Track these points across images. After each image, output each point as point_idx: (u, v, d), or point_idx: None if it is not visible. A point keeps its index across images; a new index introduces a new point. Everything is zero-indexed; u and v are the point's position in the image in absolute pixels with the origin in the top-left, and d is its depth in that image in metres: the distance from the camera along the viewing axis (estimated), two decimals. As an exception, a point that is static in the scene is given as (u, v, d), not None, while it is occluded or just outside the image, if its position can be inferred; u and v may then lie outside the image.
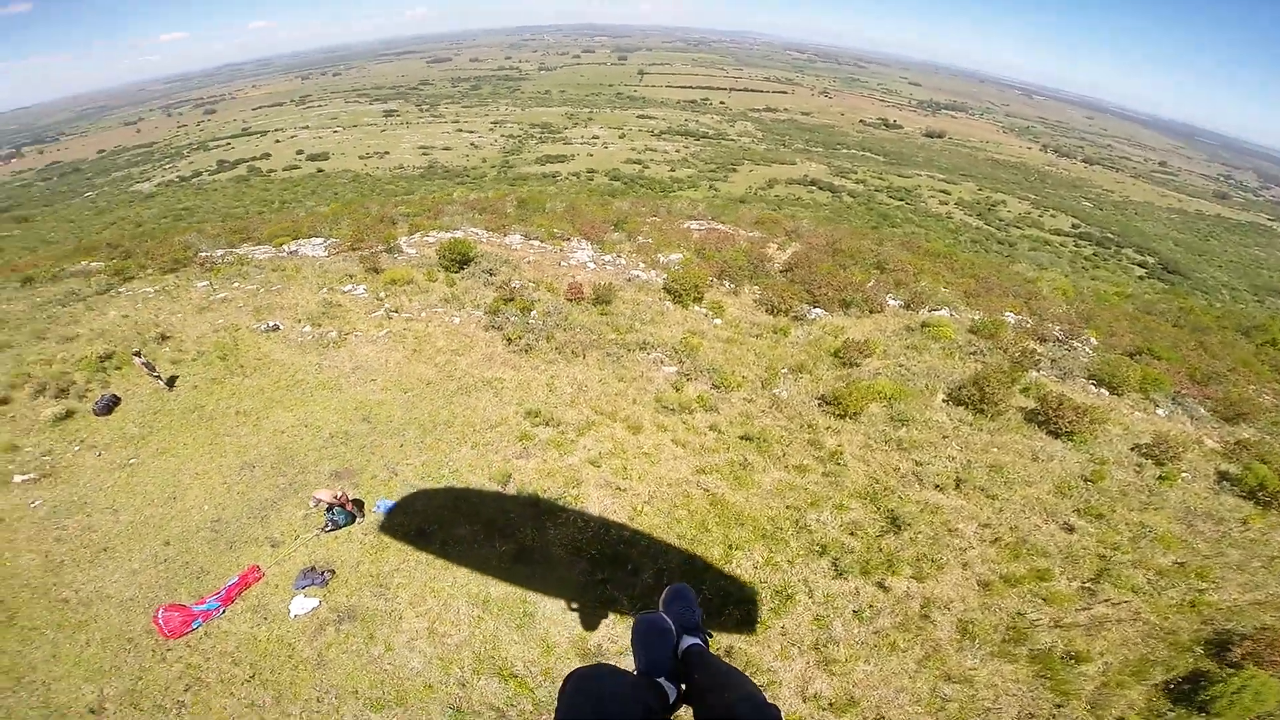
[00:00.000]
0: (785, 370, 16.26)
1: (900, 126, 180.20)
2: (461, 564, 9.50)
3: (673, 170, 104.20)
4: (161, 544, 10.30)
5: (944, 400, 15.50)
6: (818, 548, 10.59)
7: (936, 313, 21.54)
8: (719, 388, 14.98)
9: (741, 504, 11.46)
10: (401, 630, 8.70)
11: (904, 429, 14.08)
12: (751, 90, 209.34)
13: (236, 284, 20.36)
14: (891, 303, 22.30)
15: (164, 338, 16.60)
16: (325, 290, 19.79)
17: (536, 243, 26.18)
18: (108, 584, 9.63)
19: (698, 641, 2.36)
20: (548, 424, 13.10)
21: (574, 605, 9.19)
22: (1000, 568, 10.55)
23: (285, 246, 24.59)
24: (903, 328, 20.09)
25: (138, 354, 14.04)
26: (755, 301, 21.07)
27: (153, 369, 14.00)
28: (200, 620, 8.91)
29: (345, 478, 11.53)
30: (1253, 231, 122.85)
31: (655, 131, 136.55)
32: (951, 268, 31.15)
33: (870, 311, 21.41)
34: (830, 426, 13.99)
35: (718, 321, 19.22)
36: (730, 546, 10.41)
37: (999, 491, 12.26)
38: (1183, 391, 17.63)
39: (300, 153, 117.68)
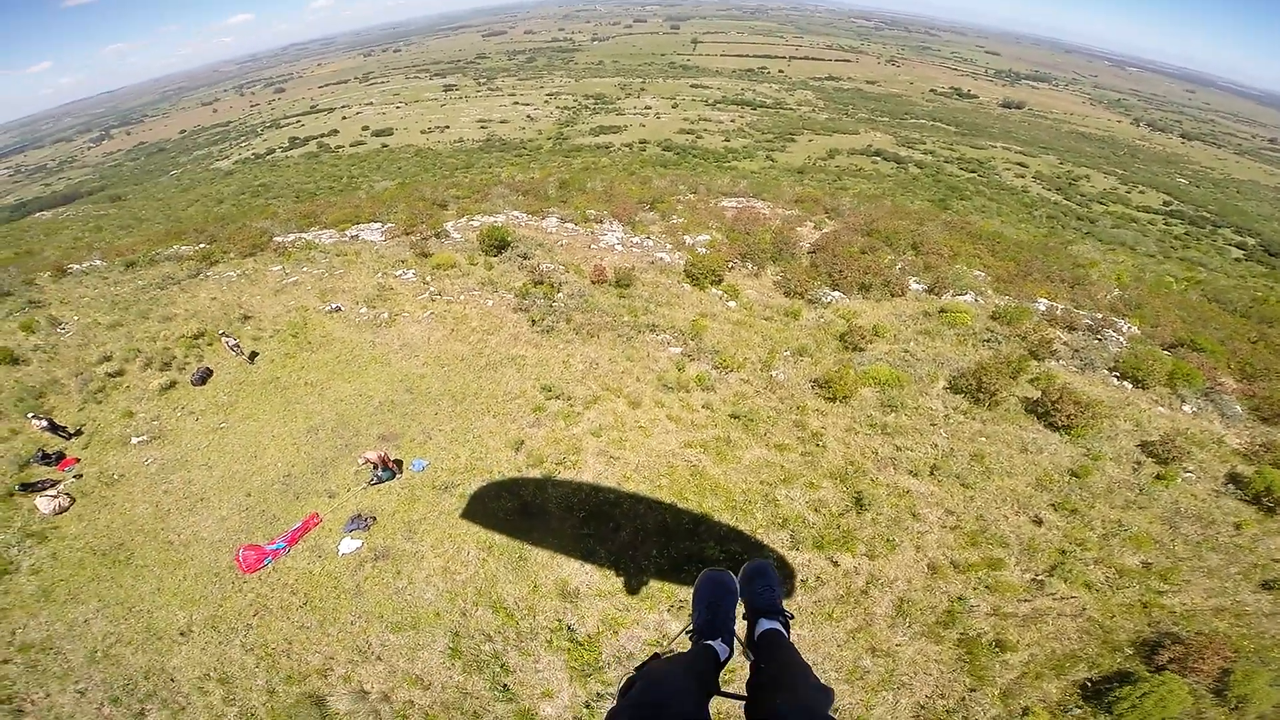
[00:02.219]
0: (787, 353, 17.31)
1: (975, 96, 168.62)
2: (475, 516, 11.50)
3: (727, 140, 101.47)
4: (244, 495, 12.68)
5: (944, 388, 15.81)
6: (779, 520, 11.83)
7: (960, 298, 21.58)
8: (720, 368, 16.31)
9: (719, 477, 12.80)
10: (422, 568, 10.80)
11: (892, 415, 14.69)
12: (813, 59, 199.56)
13: (305, 268, 23.00)
14: (914, 286, 22.33)
15: (246, 318, 19.33)
16: (380, 275, 22.15)
17: (571, 225, 27.84)
18: (202, 528, 11.99)
19: (776, 627, 2.31)
20: (559, 397, 14.92)
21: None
22: (953, 554, 11.25)
23: (348, 231, 27.28)
24: (920, 313, 20.37)
25: (224, 335, 16.73)
26: (775, 284, 22.03)
27: (238, 347, 16.64)
28: (271, 558, 11.08)
29: (389, 440, 13.80)
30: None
31: (709, 101, 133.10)
32: (993, 250, 30.57)
33: (891, 295, 21.64)
34: (818, 409, 14.97)
35: (732, 304, 20.39)
36: (701, 514, 11.81)
37: (975, 480, 12.73)
38: (1218, 387, 16.96)
39: (366, 128, 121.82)
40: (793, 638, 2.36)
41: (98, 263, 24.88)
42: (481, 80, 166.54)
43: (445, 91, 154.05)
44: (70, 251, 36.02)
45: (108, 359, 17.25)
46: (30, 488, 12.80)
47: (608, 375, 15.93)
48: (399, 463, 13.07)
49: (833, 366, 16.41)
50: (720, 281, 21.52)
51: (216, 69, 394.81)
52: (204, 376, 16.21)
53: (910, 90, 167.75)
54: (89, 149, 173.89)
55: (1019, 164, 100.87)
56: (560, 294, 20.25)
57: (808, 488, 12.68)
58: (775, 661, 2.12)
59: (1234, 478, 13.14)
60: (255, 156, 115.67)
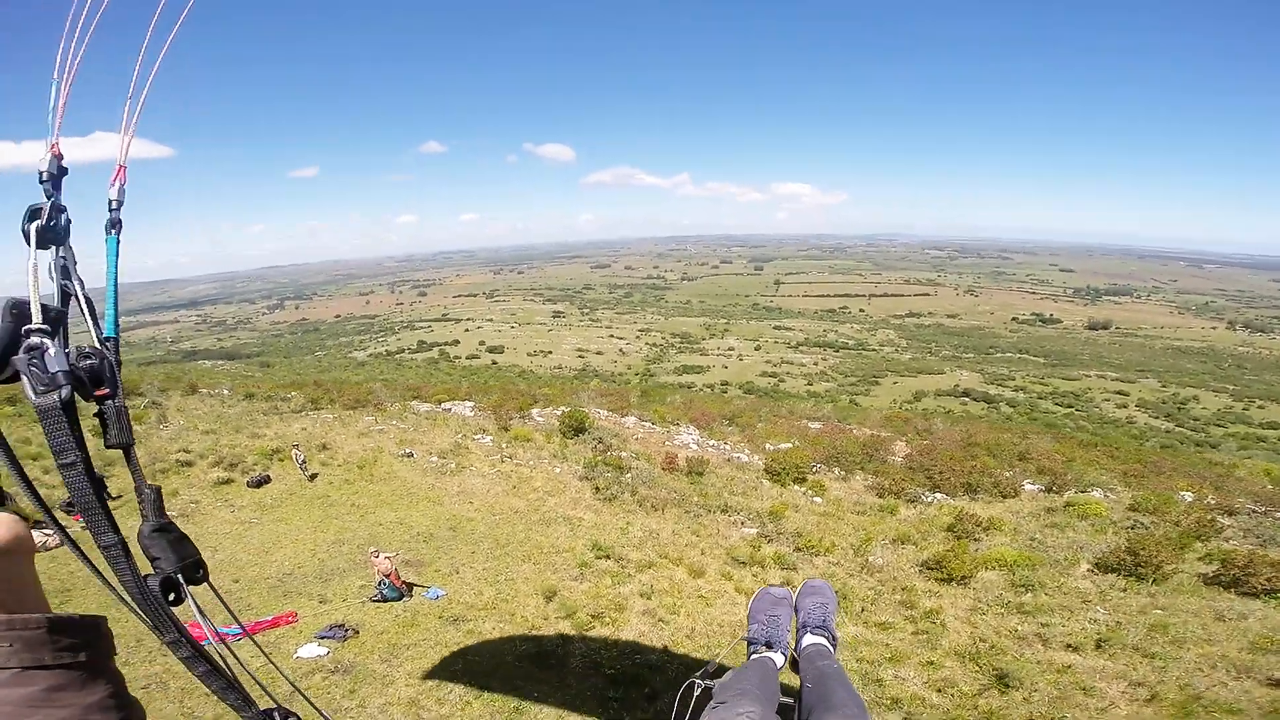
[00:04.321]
0: (885, 540, 15.04)
1: (1059, 320, 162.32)
2: (477, 655, 9.45)
3: (810, 384, 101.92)
4: (231, 581, 11.82)
5: (1089, 569, 13.47)
6: (887, 700, 9.08)
7: (1085, 493, 19.06)
8: (801, 550, 14.16)
9: None
10: (384, 694, 8.54)
11: (1029, 594, 12.29)
12: (891, 295, 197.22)
13: (395, 422, 24.08)
14: (1029, 487, 20.08)
15: (324, 447, 19.86)
16: (460, 435, 22.63)
17: (648, 424, 27.93)
18: None
19: (821, 642, 2.30)
20: (609, 557, 13.18)
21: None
22: None
23: (443, 404, 28.90)
24: (1041, 509, 18.02)
25: (295, 446, 17.06)
26: (865, 487, 20.12)
27: (303, 463, 16.82)
28: (211, 640, 9.54)
29: (414, 565, 12.40)
30: None
31: (792, 343, 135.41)
32: (1111, 454, 27.62)
33: (1002, 496, 19.21)
34: (930, 590, 12.58)
35: (818, 499, 18.54)
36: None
37: (1162, 650, 10.20)
38: None
39: (482, 344, 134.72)
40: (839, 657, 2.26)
41: (225, 391, 27.48)
42: (585, 310, 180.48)
43: (553, 318, 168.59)
44: (208, 380, 40.47)
45: (186, 451, 18.08)
46: (37, 524, 12.37)
47: (669, 545, 14.15)
48: (411, 586, 11.52)
49: (947, 547, 14.03)
50: (804, 480, 19.94)
51: (380, 262, 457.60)
52: (260, 481, 16.43)
53: (992, 320, 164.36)
54: (263, 314, 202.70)
55: (1118, 392, 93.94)
56: (629, 474, 19.42)
57: (924, 667, 10.05)
58: (817, 680, 2.08)
59: None
60: (387, 353, 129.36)
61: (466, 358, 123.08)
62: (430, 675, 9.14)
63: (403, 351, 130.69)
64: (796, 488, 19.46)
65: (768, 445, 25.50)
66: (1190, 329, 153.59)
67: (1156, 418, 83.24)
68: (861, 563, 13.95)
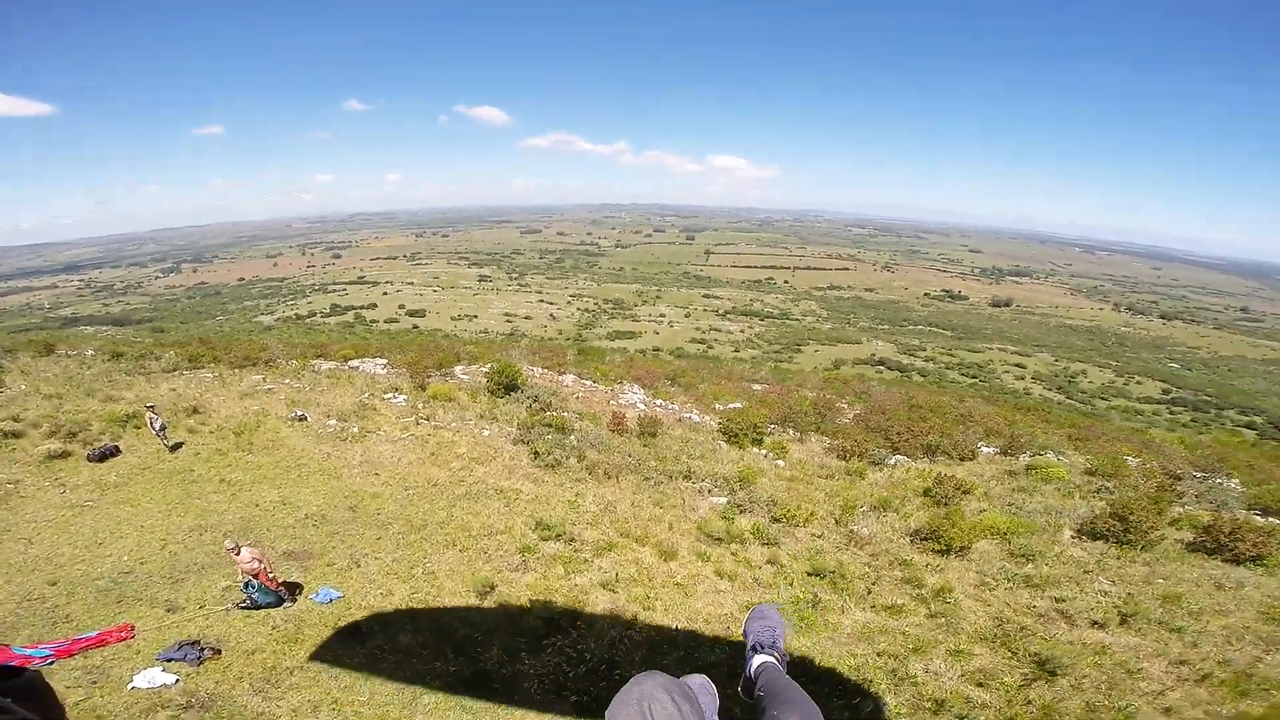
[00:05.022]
0: (864, 507, 13.64)
1: (965, 297, 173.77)
2: (390, 677, 6.91)
3: (736, 351, 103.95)
4: (46, 583, 8.82)
5: (1073, 536, 13.00)
6: (929, 702, 7.60)
7: (1041, 456, 18.98)
8: (780, 520, 12.38)
9: (810, 650, 8.66)
10: None
11: (1029, 565, 11.47)
12: (814, 268, 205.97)
13: (289, 381, 20.35)
14: (985, 450, 19.90)
15: (195, 411, 16.14)
16: (366, 395, 19.34)
17: (589, 383, 25.47)
18: None
19: (771, 659, 2.13)
20: (559, 538, 10.81)
21: None
22: (1226, 708, 7.65)
23: (350, 361, 25.03)
24: (1003, 472, 17.64)
25: (151, 407, 13.37)
26: (824, 449, 18.78)
27: (162, 430, 13.20)
28: (12, 664, 6.72)
29: (298, 559, 9.50)
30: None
31: (720, 311, 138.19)
32: (1046, 419, 28.67)
33: (961, 458, 18.79)
34: (930, 564, 11.33)
35: (780, 462, 16.92)
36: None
37: (1185, 624, 9.51)
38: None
39: (401, 307, 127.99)
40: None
41: (89, 352, 22.56)
42: (513, 275, 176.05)
43: (479, 281, 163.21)
44: (73, 341, 34.18)
45: (16, 420, 14.09)
46: None
47: (630, 521, 11.90)
48: (294, 586, 8.73)
49: (927, 520, 12.83)
50: (762, 441, 18.29)
51: (290, 224, 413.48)
52: (105, 454, 12.80)
53: (906, 295, 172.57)
54: (156, 279, 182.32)
55: (1016, 365, 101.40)
56: (573, 435, 16.99)
57: (954, 657, 8.69)
58: (771, 687, 1.95)
59: None
60: (296, 316, 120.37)
61: (385, 321, 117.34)
62: (325, 711, 6.57)
63: (314, 315, 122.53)
64: (756, 450, 17.81)
65: (717, 405, 23.87)
66: (1081, 309, 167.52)
67: (1050, 389, 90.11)
68: (847, 534, 12.40)
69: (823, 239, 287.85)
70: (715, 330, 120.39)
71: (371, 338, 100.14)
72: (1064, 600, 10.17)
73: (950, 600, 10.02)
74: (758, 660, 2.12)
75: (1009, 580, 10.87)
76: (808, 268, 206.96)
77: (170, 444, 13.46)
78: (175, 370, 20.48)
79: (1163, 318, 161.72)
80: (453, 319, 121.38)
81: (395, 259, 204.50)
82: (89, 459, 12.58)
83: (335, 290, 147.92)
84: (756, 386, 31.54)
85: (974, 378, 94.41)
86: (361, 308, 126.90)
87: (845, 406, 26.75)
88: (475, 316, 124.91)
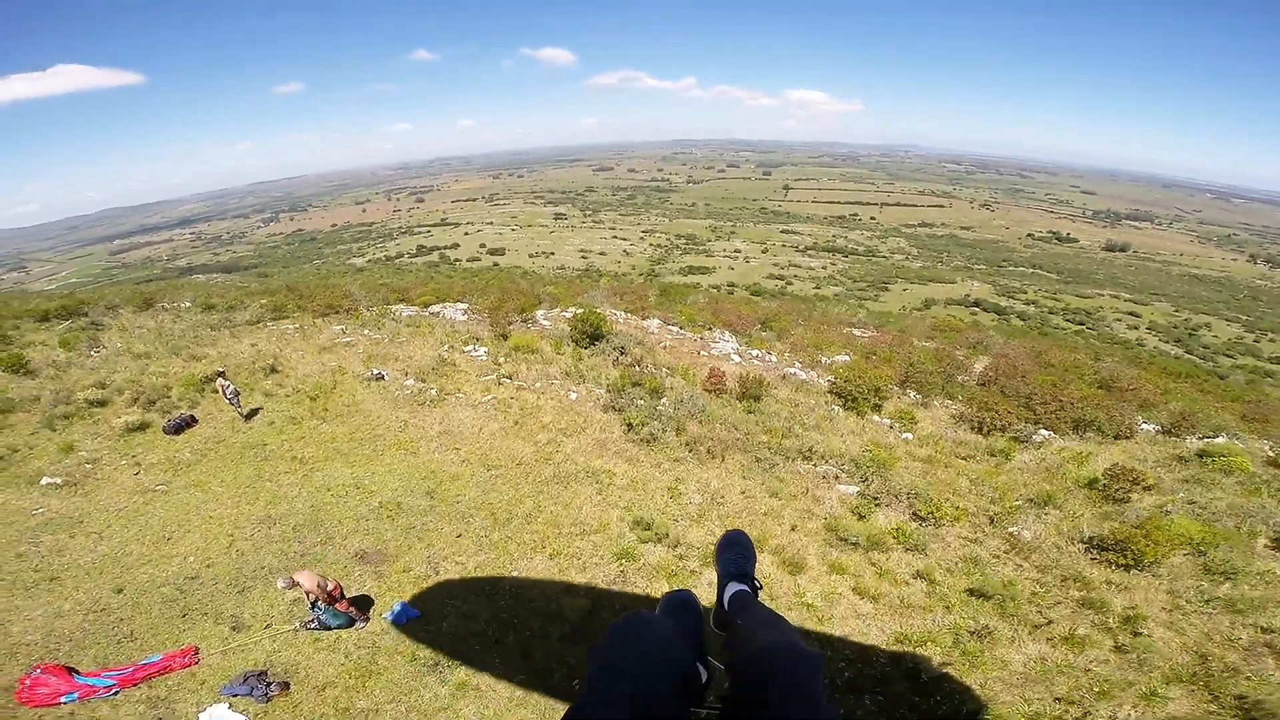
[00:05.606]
0: (1022, 502, 11.11)
1: (1075, 240, 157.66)
2: None
3: (818, 287, 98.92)
4: (113, 589, 8.10)
5: (1267, 546, 10.30)
6: None
7: (1214, 440, 15.29)
8: (924, 519, 10.13)
9: (977, 691, 6.91)
10: None
11: (1227, 583, 9.01)
12: (904, 205, 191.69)
13: (366, 331, 19.61)
14: (1144, 426, 16.44)
15: (273, 370, 15.53)
16: (446, 348, 18.24)
17: (675, 329, 23.33)
18: (20, 618, 7.49)
19: (744, 588, 2.16)
20: (661, 541, 9.09)
21: None
22: None
23: (431, 307, 24.16)
24: (1169, 457, 14.27)
25: (222, 374, 12.61)
26: (953, 416, 15.97)
27: (235, 397, 12.43)
28: (75, 695, 6.41)
29: (370, 563, 8.32)
30: None
31: (799, 247, 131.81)
32: (1202, 389, 24.18)
33: (1115, 436, 15.47)
34: (1111, 580, 9.04)
35: (908, 436, 14.38)
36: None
37: None
38: None
39: (483, 246, 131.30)
40: None
41: (185, 305, 22.84)
42: (588, 212, 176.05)
43: (555, 220, 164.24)
44: (172, 294, 35.76)
45: (102, 387, 13.81)
46: None
47: (741, 515, 10.04)
48: (366, 602, 7.52)
49: (1097, 521, 10.50)
50: (882, 407, 15.71)
51: (374, 171, 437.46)
52: (181, 425, 12.21)
53: (1007, 235, 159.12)
54: (258, 228, 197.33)
55: (1130, 313, 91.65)
56: (664, 400, 15.11)
57: (1146, 702, 6.91)
58: (748, 613, 1.99)
59: None
60: (386, 258, 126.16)
61: (467, 260, 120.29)
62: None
63: (401, 256, 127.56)
64: (877, 418, 15.28)
65: (822, 358, 21.21)
66: (1210, 259, 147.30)
67: (1166, 341, 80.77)
68: (1007, 538, 9.95)
69: (913, 175, 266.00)
70: (795, 266, 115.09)
71: (456, 277, 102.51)
72: (1273, 631, 7.85)
73: (1140, 630, 7.86)
74: (733, 588, 2.07)
75: (1204, 602, 8.52)
76: (896, 204, 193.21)
77: (244, 412, 12.74)
78: (259, 322, 20.23)
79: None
80: (530, 256, 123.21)
81: (474, 200, 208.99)
82: (165, 430, 12.03)
83: (420, 232, 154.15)
84: (858, 332, 28.27)
85: (1080, 324, 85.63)
86: (445, 248, 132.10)
87: (964, 360, 23.31)
88: (552, 253, 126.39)
